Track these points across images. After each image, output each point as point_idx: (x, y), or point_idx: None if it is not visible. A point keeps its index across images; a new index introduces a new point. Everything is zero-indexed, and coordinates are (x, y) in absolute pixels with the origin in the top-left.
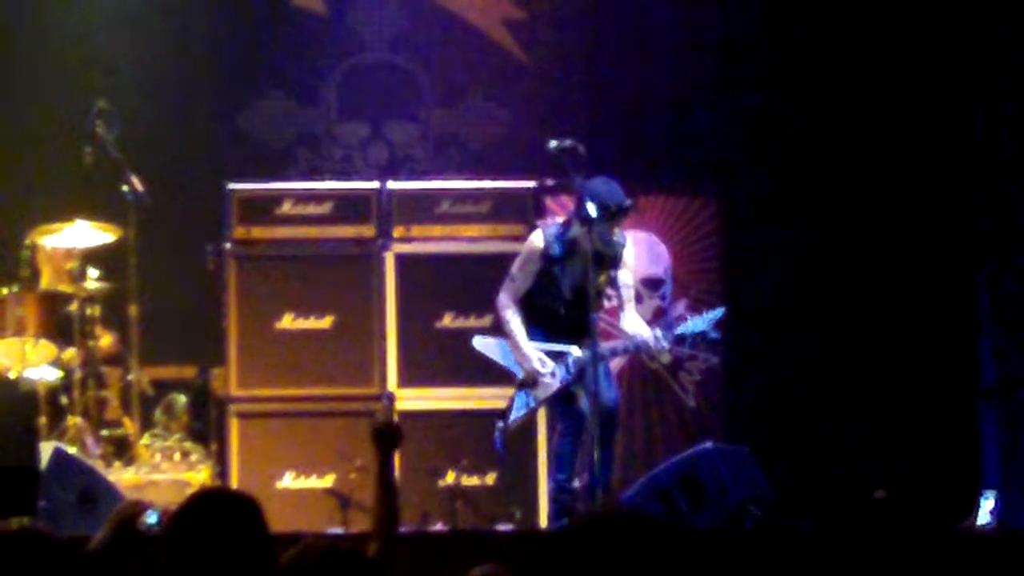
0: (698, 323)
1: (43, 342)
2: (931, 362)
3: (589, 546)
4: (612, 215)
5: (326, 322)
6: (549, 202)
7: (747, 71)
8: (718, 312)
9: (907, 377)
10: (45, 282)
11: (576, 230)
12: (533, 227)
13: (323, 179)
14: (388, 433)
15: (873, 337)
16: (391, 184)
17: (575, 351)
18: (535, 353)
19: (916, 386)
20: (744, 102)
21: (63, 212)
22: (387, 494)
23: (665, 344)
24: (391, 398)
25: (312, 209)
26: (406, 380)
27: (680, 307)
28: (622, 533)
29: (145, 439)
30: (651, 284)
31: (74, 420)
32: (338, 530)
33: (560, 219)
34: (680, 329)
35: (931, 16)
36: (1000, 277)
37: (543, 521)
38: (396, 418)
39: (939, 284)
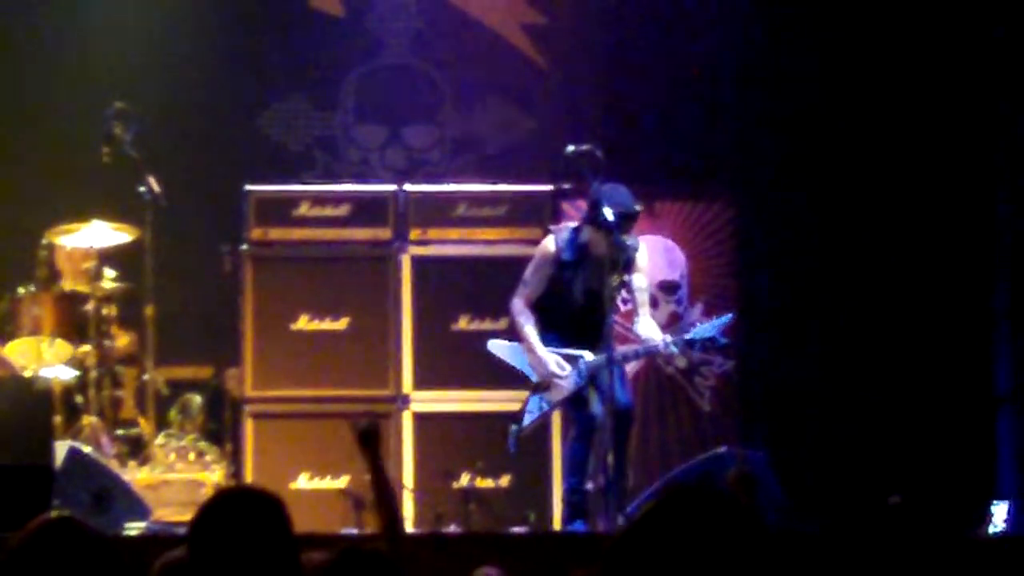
0: (707, 328)
1: (59, 341)
2: (946, 368)
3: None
4: (622, 220)
5: (342, 324)
6: (566, 206)
7: (766, 78)
8: (726, 318)
9: (922, 383)
10: (62, 282)
11: (588, 234)
12: (549, 231)
13: (340, 181)
14: (371, 432)
15: (888, 342)
16: (408, 187)
17: (588, 355)
18: (550, 357)
19: (931, 392)
20: (762, 108)
21: (80, 212)
22: (385, 493)
23: (675, 349)
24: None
25: (329, 211)
26: (421, 382)
27: (696, 312)
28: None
29: (160, 439)
30: (667, 288)
31: (89, 419)
32: (352, 531)
33: (572, 224)
34: (689, 334)
35: (950, 36)
36: (1017, 280)
37: (557, 524)
38: (374, 420)
39: (954, 289)
